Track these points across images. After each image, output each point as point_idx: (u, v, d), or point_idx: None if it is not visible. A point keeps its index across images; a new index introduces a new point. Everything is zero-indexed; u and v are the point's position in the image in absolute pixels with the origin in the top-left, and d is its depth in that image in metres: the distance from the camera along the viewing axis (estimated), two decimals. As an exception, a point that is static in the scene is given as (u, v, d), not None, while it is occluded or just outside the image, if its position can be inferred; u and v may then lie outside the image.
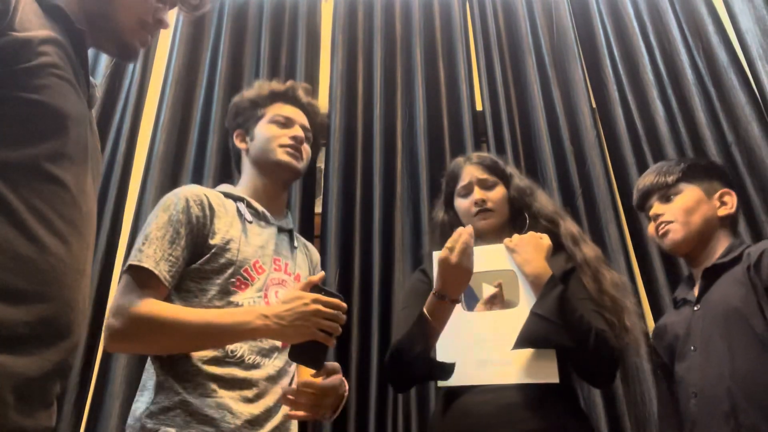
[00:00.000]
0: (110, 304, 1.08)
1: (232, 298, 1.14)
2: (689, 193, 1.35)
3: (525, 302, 1.25)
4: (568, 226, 1.39)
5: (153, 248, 1.08)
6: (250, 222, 1.25)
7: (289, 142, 1.33)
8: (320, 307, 1.02)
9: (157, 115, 2.11)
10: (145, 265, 1.06)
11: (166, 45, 2.26)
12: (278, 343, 1.17)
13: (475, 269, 1.25)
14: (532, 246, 1.29)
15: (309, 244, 1.49)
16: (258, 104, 1.40)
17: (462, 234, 1.21)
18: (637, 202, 1.47)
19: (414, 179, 2.07)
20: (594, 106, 2.20)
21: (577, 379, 1.34)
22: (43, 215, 0.66)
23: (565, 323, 1.18)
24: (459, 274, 1.20)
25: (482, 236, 1.39)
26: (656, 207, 1.38)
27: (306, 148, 1.38)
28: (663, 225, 1.35)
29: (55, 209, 0.67)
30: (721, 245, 1.31)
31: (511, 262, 1.31)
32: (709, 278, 1.28)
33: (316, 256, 1.48)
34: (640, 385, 1.74)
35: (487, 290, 1.29)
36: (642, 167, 2.07)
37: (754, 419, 1.10)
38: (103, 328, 1.07)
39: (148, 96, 2.17)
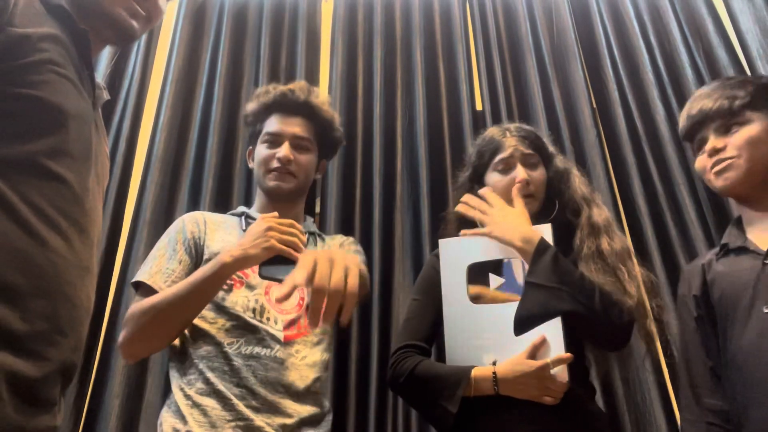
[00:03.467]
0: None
1: (226, 296, 1.22)
2: (757, 124, 1.12)
3: None
4: (594, 215, 1.24)
5: (149, 265, 1.22)
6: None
7: (275, 165, 1.35)
8: (273, 223, 1.12)
9: (157, 115, 2.11)
10: (139, 278, 1.20)
11: (166, 45, 2.26)
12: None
13: (479, 259, 1.21)
14: (506, 211, 1.18)
15: (340, 240, 1.48)
16: (256, 119, 1.44)
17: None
18: (685, 131, 1.22)
19: (414, 179, 2.06)
20: (594, 106, 2.20)
21: (595, 377, 1.22)
22: (41, 211, 0.65)
23: (565, 285, 1.07)
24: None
25: None
26: (713, 140, 1.14)
27: (301, 160, 1.37)
28: (722, 162, 1.13)
29: (55, 205, 0.67)
30: None
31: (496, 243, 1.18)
32: None
33: (338, 243, 1.47)
34: (640, 385, 1.74)
35: (495, 281, 1.20)
36: (642, 167, 2.07)
37: None
38: (117, 346, 1.18)
39: (148, 96, 2.17)
